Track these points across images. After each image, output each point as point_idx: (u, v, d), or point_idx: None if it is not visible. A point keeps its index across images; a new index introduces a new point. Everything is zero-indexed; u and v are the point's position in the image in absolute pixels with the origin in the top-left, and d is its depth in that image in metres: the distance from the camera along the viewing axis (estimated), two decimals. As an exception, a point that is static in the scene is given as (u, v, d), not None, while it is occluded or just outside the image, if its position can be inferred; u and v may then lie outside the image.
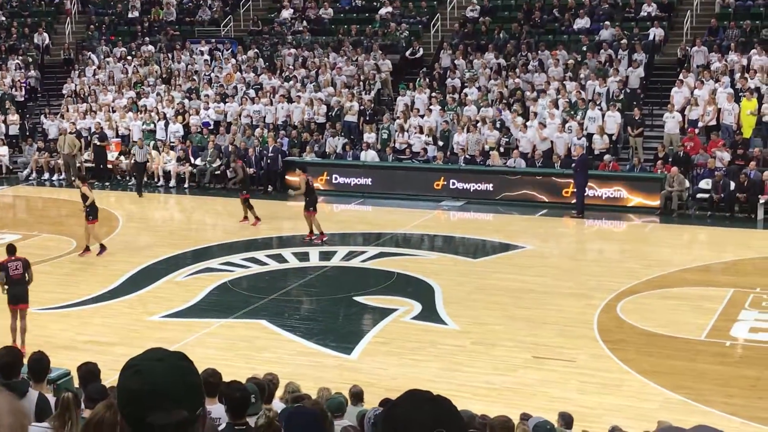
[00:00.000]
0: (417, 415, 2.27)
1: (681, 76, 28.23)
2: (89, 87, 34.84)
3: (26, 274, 15.07)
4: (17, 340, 14.87)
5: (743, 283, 18.54)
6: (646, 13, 31.93)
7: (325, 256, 21.34)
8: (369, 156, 28.36)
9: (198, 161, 29.90)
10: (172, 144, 30.79)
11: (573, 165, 25.13)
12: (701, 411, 12.80)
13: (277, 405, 8.68)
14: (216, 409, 7.25)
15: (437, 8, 35.21)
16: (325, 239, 22.15)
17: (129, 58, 36.11)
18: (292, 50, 34.39)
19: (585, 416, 11.80)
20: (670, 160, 25.62)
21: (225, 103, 32.23)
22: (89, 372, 8.50)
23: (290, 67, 33.53)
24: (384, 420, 2.31)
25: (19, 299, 15.00)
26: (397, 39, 34.02)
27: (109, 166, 31.10)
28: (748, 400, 13.38)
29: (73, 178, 20.57)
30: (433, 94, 30.21)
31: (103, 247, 21.18)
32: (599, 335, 15.83)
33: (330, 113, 30.71)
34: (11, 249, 15.53)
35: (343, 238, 23.43)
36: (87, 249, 21.19)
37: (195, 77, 34.22)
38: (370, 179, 27.83)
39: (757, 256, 20.88)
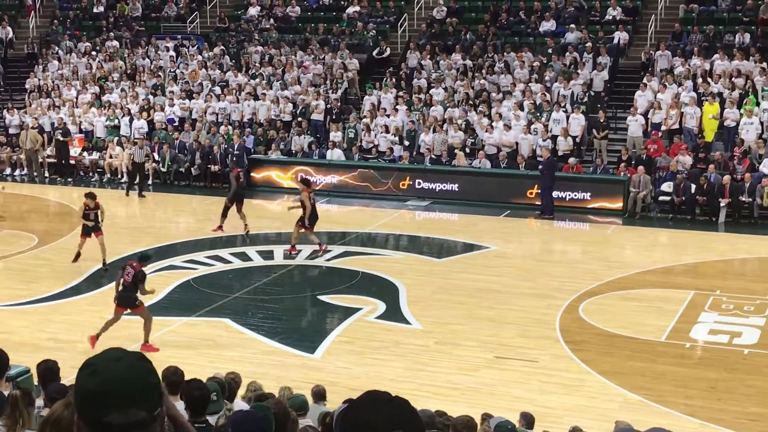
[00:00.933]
0: (375, 416, 2.28)
1: (645, 80, 28.49)
2: (53, 82, 34.51)
3: None
4: None
5: (703, 286, 18.76)
6: (611, 17, 32.18)
7: (290, 254, 21.28)
8: (335, 155, 28.35)
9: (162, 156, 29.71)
10: (136, 140, 30.56)
11: (540, 167, 25.27)
12: (661, 412, 12.94)
13: (239, 404, 8.66)
14: (177, 407, 7.21)
15: (405, 8, 35.26)
16: (325, 249, 21.21)
17: (93, 53, 35.81)
18: (259, 48, 34.29)
19: (546, 416, 11.88)
20: (633, 162, 25.85)
21: (190, 99, 32.07)
22: (48, 370, 8.43)
23: (256, 64, 33.43)
24: (342, 420, 2.32)
25: None
26: (364, 38, 34.03)
27: (72, 161, 30.82)
28: (707, 401, 13.54)
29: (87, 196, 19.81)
30: (400, 94, 30.26)
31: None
32: (561, 336, 15.95)
33: (296, 111, 30.66)
34: None
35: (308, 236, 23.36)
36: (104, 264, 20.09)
37: (160, 73, 34.01)
38: (336, 178, 27.83)
39: (717, 259, 21.14)
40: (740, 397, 13.57)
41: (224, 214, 22.69)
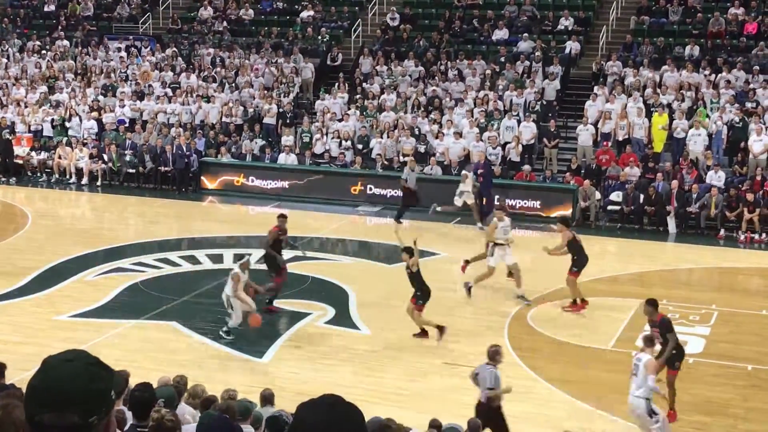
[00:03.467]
0: (312, 419, 2.26)
1: (595, 90, 28.79)
2: (1, 80, 33.99)
3: None
4: None
5: (650, 294, 18.90)
6: (563, 27, 32.49)
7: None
8: (289, 159, 28.25)
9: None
10: (85, 141, 30.21)
11: (480, 172, 25.12)
12: (607, 419, 13.05)
13: (184, 408, 8.57)
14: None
15: (358, 14, 35.28)
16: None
17: (43, 52, 35.34)
18: (211, 50, 34.09)
19: (494, 423, 11.89)
20: (583, 172, 26.09)
21: (141, 101, 31.78)
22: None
23: (209, 67, 33.22)
24: (290, 424, 2.31)
25: None
26: (318, 43, 33.98)
27: (20, 161, 30.32)
28: (652, 408, 13.66)
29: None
30: (353, 99, 30.25)
31: None
32: (509, 343, 16.02)
33: (248, 115, 30.50)
34: None
35: (258, 241, 23.26)
36: None
37: (111, 74, 33.65)
38: (287, 182, 27.74)
39: (663, 268, 21.40)
40: (685, 405, 13.72)
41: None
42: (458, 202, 24.15)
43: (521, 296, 18.22)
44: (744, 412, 13.61)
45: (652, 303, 13.63)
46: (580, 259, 17.77)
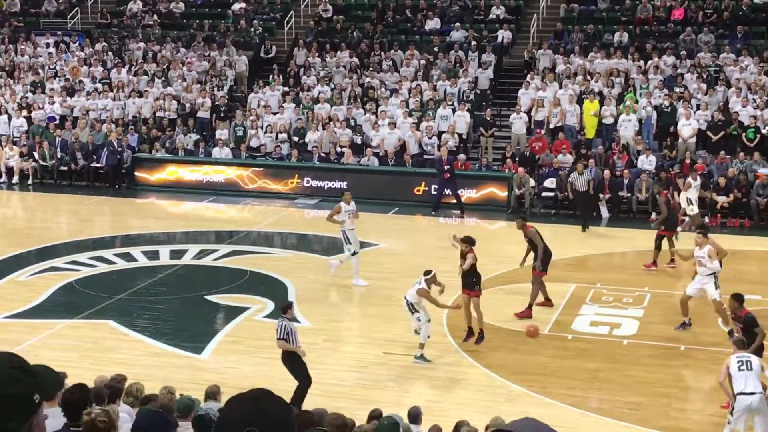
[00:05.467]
0: (233, 413, 2.28)
1: (528, 78, 29.08)
2: (-75, 78, 33.21)
3: None
4: None
5: (584, 279, 19.27)
6: (494, 16, 32.73)
7: (176, 254, 21.01)
8: (223, 153, 28.06)
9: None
10: (15, 139, 29.68)
11: (447, 168, 25.14)
12: (544, 403, 13.25)
13: (122, 407, 8.52)
14: (53, 411, 7.07)
15: (291, 5, 35.14)
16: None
17: (-31, 49, 34.61)
18: (142, 44, 33.69)
19: (433, 411, 12.03)
20: (517, 159, 26.36)
21: (72, 97, 31.30)
22: None
23: (140, 61, 32.83)
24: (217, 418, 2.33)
25: None
26: (250, 35, 33.78)
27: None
28: (588, 391, 13.94)
29: None
30: (288, 91, 30.15)
31: None
32: (448, 330, 16.17)
33: (182, 109, 30.23)
34: None
35: (195, 236, 23.13)
36: None
37: (40, 70, 33.09)
38: (223, 176, 27.55)
39: (597, 253, 21.73)
40: (619, 387, 14.00)
41: (658, 246, 19.98)
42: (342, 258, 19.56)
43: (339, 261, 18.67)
44: (678, 392, 13.91)
45: (737, 298, 13.53)
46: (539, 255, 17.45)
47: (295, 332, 12.98)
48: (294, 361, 12.95)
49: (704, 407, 13.42)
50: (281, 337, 12.85)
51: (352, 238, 18.74)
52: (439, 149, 27.01)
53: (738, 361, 11.65)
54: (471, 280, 15.46)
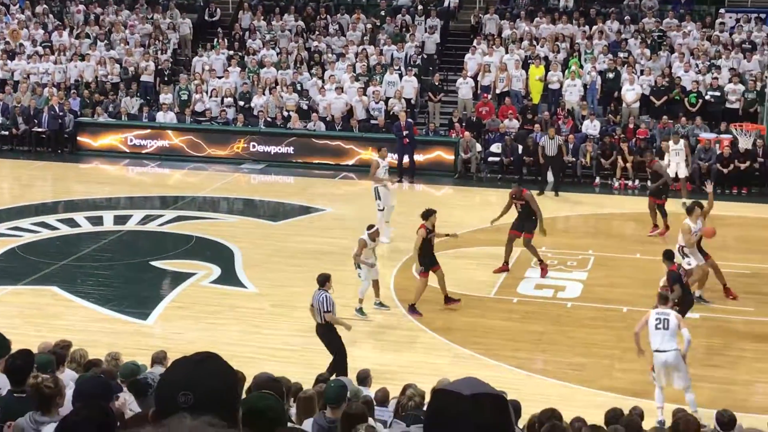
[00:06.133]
0: (172, 376, 2.25)
1: (474, 43, 29.10)
2: None
3: None
4: None
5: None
6: (441, -20, 32.61)
7: (121, 220, 20.80)
8: (167, 118, 27.73)
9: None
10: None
11: (406, 134, 25.04)
12: (490, 365, 13.42)
13: (68, 373, 8.46)
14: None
15: (236, -32, 34.65)
16: None
17: None
18: (82, 6, 33.06)
19: (381, 374, 12.11)
20: (464, 124, 26.43)
21: (12, 60, 30.66)
22: None
23: (81, 24, 32.23)
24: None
25: None
26: (194, -2, 33.32)
27: None
28: (533, 353, 14.14)
29: None
30: (233, 55, 29.84)
31: None
32: (395, 294, 16.27)
33: (126, 73, 29.77)
34: None
35: (140, 201, 22.91)
36: None
37: (-22, 33, 32.33)
38: (167, 141, 27.24)
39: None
40: (564, 348, 14.22)
41: (664, 214, 19.61)
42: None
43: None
44: (620, 353, 14.15)
45: (666, 255, 14.08)
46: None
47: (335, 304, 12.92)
48: (333, 334, 12.88)
49: (644, 367, 13.66)
50: (329, 309, 12.73)
51: (383, 194, 18.92)
52: (387, 114, 26.98)
53: (656, 319, 12.11)
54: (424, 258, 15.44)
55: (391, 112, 27.08)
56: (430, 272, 15.46)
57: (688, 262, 15.21)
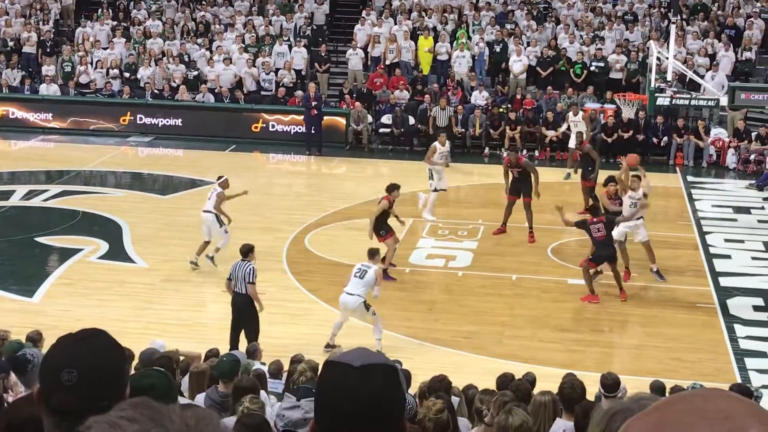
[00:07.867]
0: (55, 354, 2.22)
1: (364, 14, 29.07)
2: None
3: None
4: None
5: (421, 213, 19.61)
6: (330, -50, 32.38)
7: (3, 195, 20.18)
8: (51, 90, 26.91)
9: None
10: None
11: (314, 104, 24.75)
12: (384, 335, 13.52)
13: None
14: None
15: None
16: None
17: None
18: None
19: (274, 347, 12.11)
20: (355, 96, 26.43)
21: None
22: None
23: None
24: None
25: None
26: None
27: None
28: (426, 322, 14.32)
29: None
30: (117, 26, 29.12)
31: None
32: (288, 267, 16.25)
33: (5, 45, 28.76)
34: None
35: (23, 176, 22.24)
36: None
37: None
38: (51, 114, 26.47)
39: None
40: (455, 317, 14.45)
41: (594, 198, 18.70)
42: None
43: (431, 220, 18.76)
44: (510, 320, 14.47)
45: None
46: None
47: None
48: (251, 305, 12.57)
49: (534, 333, 14.01)
50: (253, 281, 12.49)
51: (437, 174, 18.82)
52: (278, 85, 26.76)
53: (357, 269, 13.11)
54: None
55: (281, 84, 26.89)
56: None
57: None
